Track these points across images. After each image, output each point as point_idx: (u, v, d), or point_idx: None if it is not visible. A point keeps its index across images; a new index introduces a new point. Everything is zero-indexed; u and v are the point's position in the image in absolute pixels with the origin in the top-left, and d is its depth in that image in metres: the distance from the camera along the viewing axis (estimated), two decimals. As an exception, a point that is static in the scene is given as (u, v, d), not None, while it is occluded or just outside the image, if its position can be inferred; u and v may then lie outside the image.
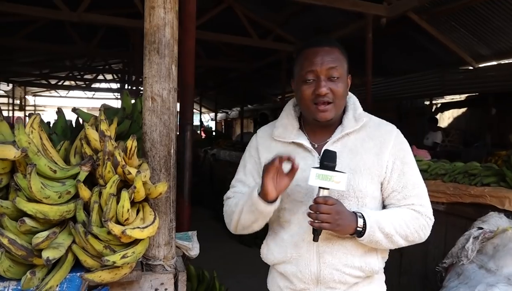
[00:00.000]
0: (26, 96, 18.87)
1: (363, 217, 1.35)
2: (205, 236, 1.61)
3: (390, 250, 1.50)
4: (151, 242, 1.47)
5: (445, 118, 10.88)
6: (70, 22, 8.10)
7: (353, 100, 1.55)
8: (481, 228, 2.30)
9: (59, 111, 1.67)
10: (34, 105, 20.68)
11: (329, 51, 1.42)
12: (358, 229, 1.35)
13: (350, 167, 1.41)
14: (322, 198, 1.30)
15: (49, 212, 1.21)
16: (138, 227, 1.27)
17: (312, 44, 1.47)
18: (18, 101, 18.06)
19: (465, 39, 7.06)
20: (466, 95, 9.60)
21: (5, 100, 17.66)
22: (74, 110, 1.58)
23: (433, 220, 1.48)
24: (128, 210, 1.24)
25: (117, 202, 1.25)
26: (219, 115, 21.44)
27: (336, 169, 1.31)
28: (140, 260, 1.46)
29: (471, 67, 7.52)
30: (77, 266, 1.30)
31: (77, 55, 12.30)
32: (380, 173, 1.43)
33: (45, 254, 1.14)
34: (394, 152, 1.45)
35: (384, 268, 1.52)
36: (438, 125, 9.05)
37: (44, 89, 19.12)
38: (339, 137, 1.46)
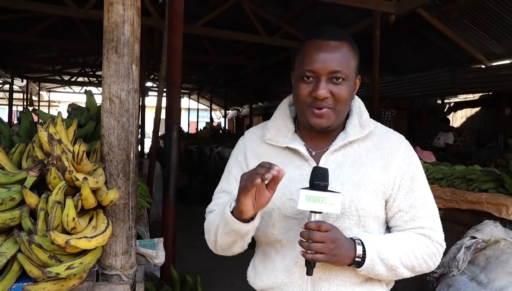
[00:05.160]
0: (41, 92, 19.12)
1: (363, 244, 1.15)
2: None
3: None
4: (108, 251, 1.40)
5: (458, 118, 10.61)
6: (79, 19, 8.15)
7: (358, 104, 1.33)
8: (475, 237, 2.18)
9: (23, 112, 1.61)
10: (49, 101, 20.94)
11: (335, 47, 1.19)
12: (356, 259, 1.14)
13: (353, 180, 1.21)
14: (314, 223, 1.10)
15: (-11, 220, 1.15)
16: (85, 237, 1.20)
17: (317, 35, 1.23)
18: (35, 98, 18.34)
19: (477, 37, 6.85)
20: (480, 94, 9.35)
21: (19, 95, 17.91)
22: (34, 110, 1.52)
23: (445, 246, 1.27)
24: (73, 219, 1.18)
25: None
26: (231, 112, 21.41)
27: (329, 189, 1.11)
28: (96, 269, 1.40)
29: (483, 66, 7.30)
30: (26, 275, 1.25)
31: (88, 52, 12.39)
32: (386, 190, 1.23)
33: (-21, 265, 1.08)
34: (403, 166, 1.25)
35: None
36: (450, 125, 8.83)
37: (58, 85, 19.35)
38: (341, 146, 1.25)
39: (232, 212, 1.14)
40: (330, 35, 1.21)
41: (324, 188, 1.10)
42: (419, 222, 1.24)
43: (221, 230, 1.19)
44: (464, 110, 10.40)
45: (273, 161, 1.12)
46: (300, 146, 1.26)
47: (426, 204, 1.26)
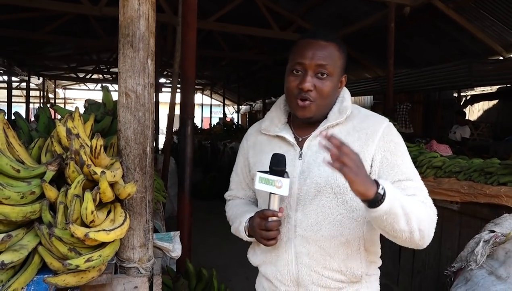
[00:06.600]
0: (56, 90, 19.38)
1: (383, 188, 1.15)
2: (221, 229, 1.66)
3: (398, 250, 1.37)
4: (126, 244, 1.41)
5: (474, 111, 10.45)
6: (94, 17, 8.24)
7: (342, 94, 1.44)
8: (493, 231, 2.14)
9: (41, 108, 1.63)
10: (64, 98, 21.21)
11: (323, 46, 1.33)
12: (379, 191, 1.13)
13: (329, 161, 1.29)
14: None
15: (11, 213, 1.17)
16: (104, 229, 1.22)
17: (308, 35, 1.39)
18: (51, 95, 18.59)
19: (494, 28, 6.71)
20: (497, 87, 9.17)
21: (36, 93, 18.20)
22: (52, 106, 1.54)
23: (436, 219, 1.28)
24: (92, 212, 1.19)
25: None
26: (244, 107, 21.41)
27: (286, 172, 1.28)
28: (114, 261, 1.42)
29: (501, 57, 7.15)
30: (47, 268, 1.27)
31: (103, 49, 12.52)
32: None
33: (1, 258, 1.10)
34: (383, 145, 1.32)
35: (398, 269, 1.37)
36: (466, 118, 8.68)
37: (74, 82, 19.59)
38: (322, 131, 1.38)
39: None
40: (320, 36, 1.36)
41: (280, 172, 1.25)
42: (410, 190, 1.28)
43: (236, 233, 1.50)
44: (481, 103, 10.23)
45: (265, 148, 1.43)
46: (287, 134, 1.43)
47: (412, 178, 1.31)
